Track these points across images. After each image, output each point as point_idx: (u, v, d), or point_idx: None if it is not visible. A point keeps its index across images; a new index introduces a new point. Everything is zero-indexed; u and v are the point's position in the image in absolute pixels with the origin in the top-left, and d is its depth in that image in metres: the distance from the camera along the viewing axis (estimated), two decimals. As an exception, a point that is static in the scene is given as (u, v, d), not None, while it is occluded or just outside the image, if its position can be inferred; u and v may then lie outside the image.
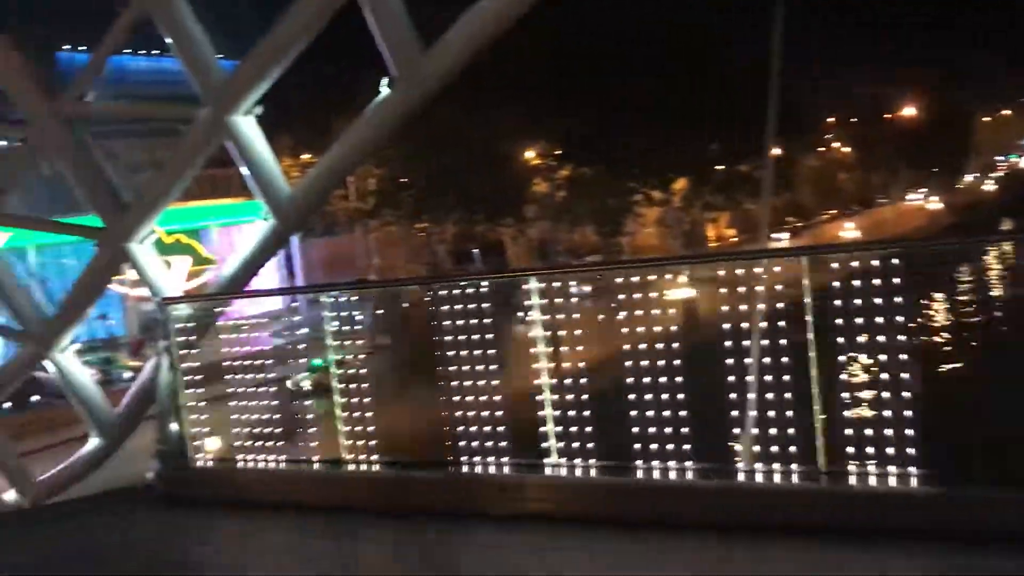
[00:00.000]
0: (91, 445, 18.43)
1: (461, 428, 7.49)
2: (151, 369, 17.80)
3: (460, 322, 7.67)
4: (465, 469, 7.41)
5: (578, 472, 7.31)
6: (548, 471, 7.39)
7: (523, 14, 12.51)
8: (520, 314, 7.72)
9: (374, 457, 6.81)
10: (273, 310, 7.26)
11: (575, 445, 7.32)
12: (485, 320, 7.68)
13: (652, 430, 7.35)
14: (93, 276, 17.40)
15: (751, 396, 7.15)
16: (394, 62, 13.10)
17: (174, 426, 7.43)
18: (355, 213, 52.67)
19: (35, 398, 37.24)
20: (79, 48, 45.07)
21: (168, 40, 14.24)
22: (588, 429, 7.38)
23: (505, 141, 45.65)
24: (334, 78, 41.69)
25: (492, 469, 7.39)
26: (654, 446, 7.35)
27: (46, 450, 24.87)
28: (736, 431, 7.24)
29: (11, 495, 18.17)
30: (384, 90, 13.36)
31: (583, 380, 7.48)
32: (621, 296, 7.51)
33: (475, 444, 7.47)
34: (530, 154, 51.06)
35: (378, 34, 13.01)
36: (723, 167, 58.06)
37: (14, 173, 16.73)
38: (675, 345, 7.35)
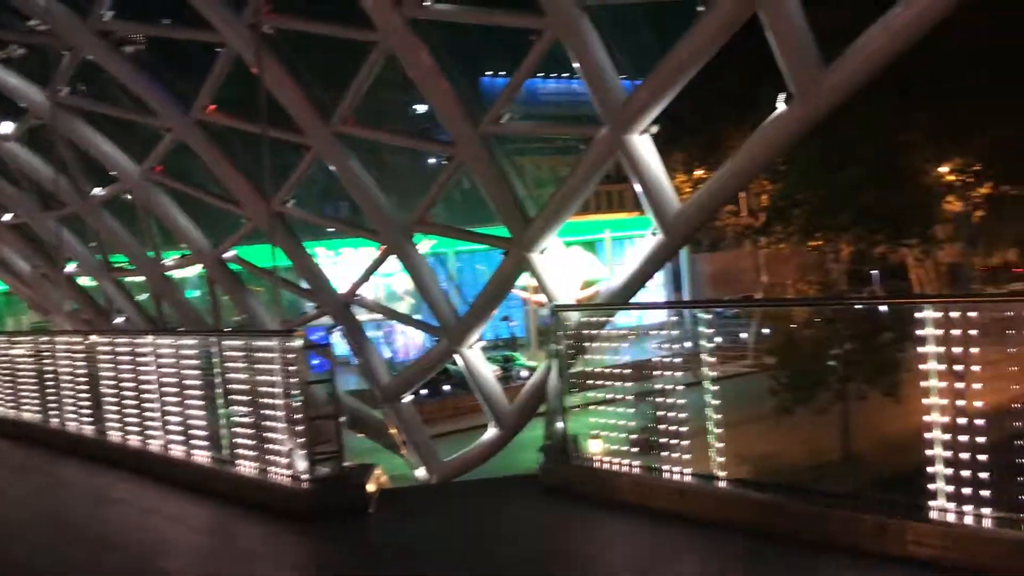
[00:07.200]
0: (489, 434, 20.29)
1: (845, 458, 7.17)
2: (543, 370, 19.18)
3: (853, 346, 7.35)
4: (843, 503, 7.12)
5: (968, 520, 6.68)
6: (934, 515, 6.85)
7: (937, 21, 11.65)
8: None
9: (746, 477, 6.76)
10: (655, 323, 7.52)
11: (967, 491, 6.70)
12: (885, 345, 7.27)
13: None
14: (500, 281, 19.13)
15: None
16: (793, 78, 12.82)
17: (560, 424, 7.99)
18: (745, 229, 51.95)
19: (447, 388, 41.60)
20: (500, 73, 49.35)
21: (575, 64, 15.18)
22: (985, 475, 6.71)
23: (911, 156, 42.08)
24: (729, 94, 41.32)
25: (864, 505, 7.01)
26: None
27: (453, 435, 27.82)
28: None
29: (421, 471, 20.54)
30: (781, 106, 13.12)
31: (982, 422, 6.82)
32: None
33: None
34: (943, 169, 46.72)
35: (778, 51, 12.81)
36: None
37: (441, 187, 18.85)
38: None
